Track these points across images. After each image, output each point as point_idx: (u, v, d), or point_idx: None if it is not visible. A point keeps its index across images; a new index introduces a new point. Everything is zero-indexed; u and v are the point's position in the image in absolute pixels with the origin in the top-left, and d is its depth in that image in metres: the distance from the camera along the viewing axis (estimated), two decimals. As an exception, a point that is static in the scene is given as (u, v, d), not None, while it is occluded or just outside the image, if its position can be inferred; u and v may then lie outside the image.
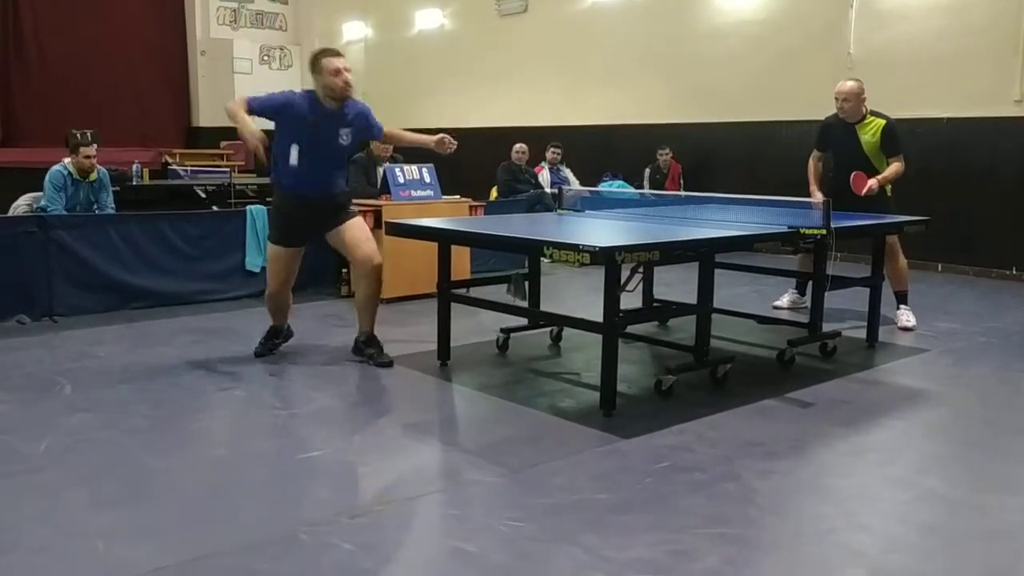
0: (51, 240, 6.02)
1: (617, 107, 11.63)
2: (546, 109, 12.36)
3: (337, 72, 4.59)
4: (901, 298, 6.12)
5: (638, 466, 3.46)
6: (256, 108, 4.59)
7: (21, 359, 5.00)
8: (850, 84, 5.99)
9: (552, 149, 10.45)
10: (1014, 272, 8.32)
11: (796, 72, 9.74)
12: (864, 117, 5.97)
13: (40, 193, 7.12)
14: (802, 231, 4.47)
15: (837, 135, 6.11)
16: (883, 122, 5.92)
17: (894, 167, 5.90)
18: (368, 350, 4.93)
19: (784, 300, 6.61)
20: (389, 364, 4.85)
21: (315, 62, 4.67)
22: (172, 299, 6.45)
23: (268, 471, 3.41)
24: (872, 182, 5.79)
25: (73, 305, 6.10)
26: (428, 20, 14.60)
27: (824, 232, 4.45)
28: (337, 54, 4.70)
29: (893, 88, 8.96)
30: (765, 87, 10.02)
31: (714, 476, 3.37)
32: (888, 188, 6.01)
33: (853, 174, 5.82)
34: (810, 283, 5.22)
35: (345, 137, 4.79)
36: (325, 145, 4.73)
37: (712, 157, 10.71)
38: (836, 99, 5.98)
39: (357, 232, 4.88)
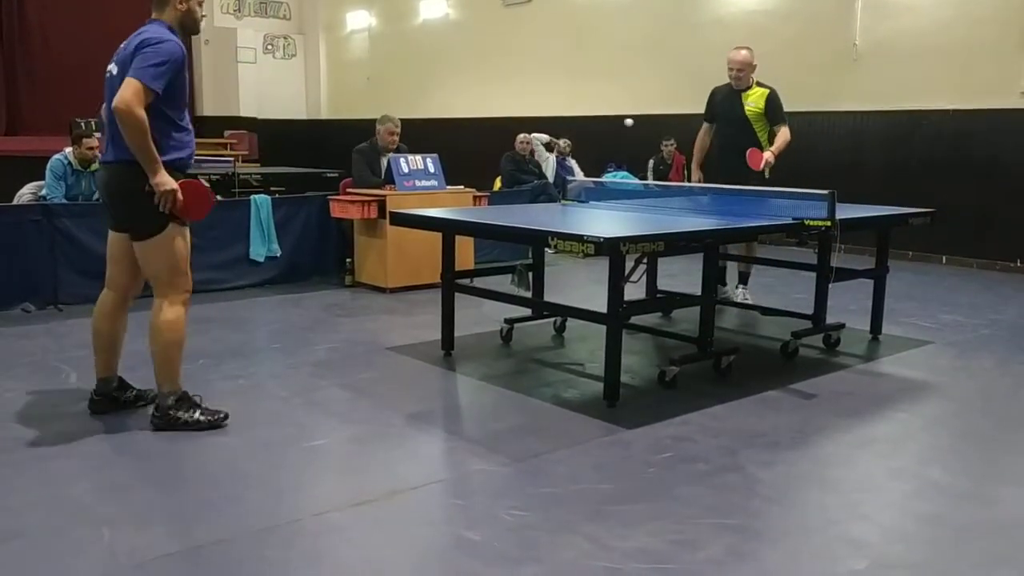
0: (56, 228, 6.04)
1: (621, 97, 11.59)
2: (550, 99, 12.34)
3: (202, 3, 3.78)
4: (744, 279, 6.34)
5: (641, 456, 3.47)
6: (160, 87, 3.43)
7: (27, 347, 5.02)
8: (744, 54, 6.09)
9: (564, 141, 10.52)
10: (1018, 264, 8.31)
11: (801, 63, 9.70)
12: (750, 86, 6.11)
13: (44, 182, 7.13)
14: (807, 222, 4.46)
15: (721, 103, 6.25)
16: (767, 90, 6.07)
17: (782, 136, 6.01)
18: (184, 414, 3.69)
19: None
20: (224, 419, 3.75)
21: None
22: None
23: (274, 459, 3.42)
24: (767, 155, 5.89)
25: (78, 293, 6.10)
26: (433, 9, 14.58)
27: (829, 224, 4.44)
28: None
29: (898, 80, 8.96)
30: (770, 78, 9.93)
31: (717, 467, 3.38)
32: (767, 170, 6.06)
33: (748, 151, 5.93)
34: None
35: None
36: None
37: (712, 149, 10.65)
38: (730, 68, 6.10)
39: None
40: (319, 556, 2.67)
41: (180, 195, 3.51)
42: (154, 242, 3.59)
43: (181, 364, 3.74)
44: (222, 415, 3.74)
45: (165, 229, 3.58)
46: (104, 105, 3.62)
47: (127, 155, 3.47)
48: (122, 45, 3.62)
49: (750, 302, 6.14)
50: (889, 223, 5.57)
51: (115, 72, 3.56)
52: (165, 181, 3.47)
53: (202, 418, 3.70)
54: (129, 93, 3.35)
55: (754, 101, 6.06)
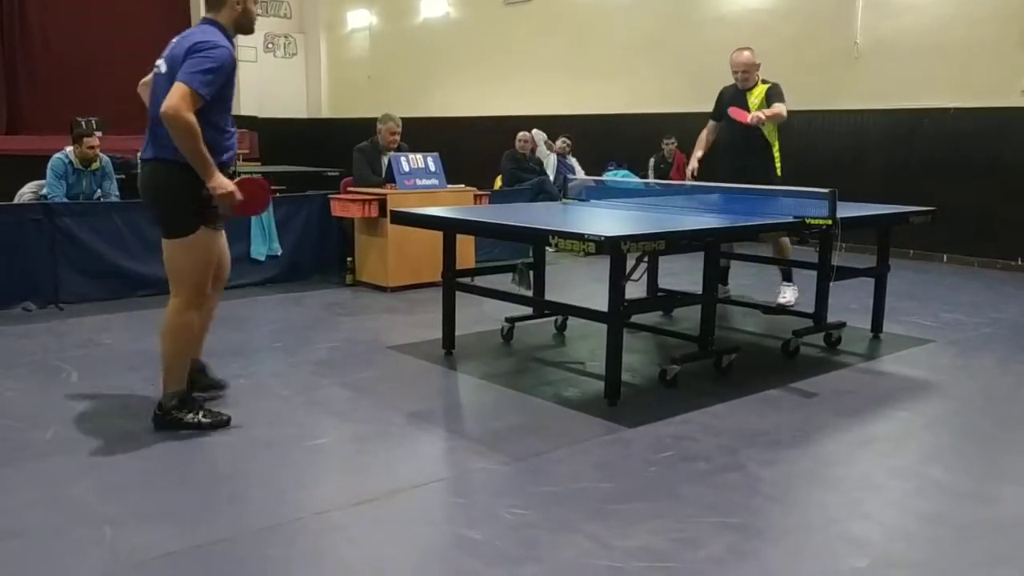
0: (57, 228, 6.04)
1: (622, 96, 11.59)
2: (551, 98, 12.34)
3: (256, 2, 3.72)
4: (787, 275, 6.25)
5: (642, 455, 3.47)
6: (209, 93, 3.39)
7: (27, 346, 5.02)
8: (746, 55, 6.14)
9: (562, 139, 10.50)
10: (1019, 263, 8.31)
11: (802, 62, 9.69)
12: (755, 84, 6.16)
13: (45, 181, 7.13)
14: (808, 221, 4.46)
15: (728, 102, 6.27)
16: (768, 85, 6.12)
17: (776, 107, 5.98)
18: (186, 415, 3.64)
19: None
20: (226, 422, 3.70)
21: None
22: (177, 287, 6.44)
23: (275, 458, 3.42)
24: (757, 113, 5.88)
25: (79, 292, 6.12)
26: (433, 8, 14.57)
27: (830, 222, 4.44)
28: None
29: (899, 78, 8.95)
30: (771, 76, 9.92)
31: (718, 465, 3.38)
32: (778, 167, 6.07)
33: (730, 109, 5.96)
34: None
35: None
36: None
37: (717, 147, 10.65)
38: (734, 71, 6.15)
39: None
40: (320, 555, 2.68)
41: (239, 194, 3.50)
42: (181, 243, 3.57)
43: (188, 365, 3.74)
44: (224, 418, 3.71)
45: (194, 232, 3.55)
46: (151, 99, 3.55)
47: (164, 153, 3.46)
48: (173, 41, 3.56)
49: (789, 302, 5.96)
50: (890, 222, 5.56)
51: (163, 69, 3.51)
52: (221, 184, 3.46)
53: (204, 420, 3.66)
54: (177, 98, 3.30)
55: (757, 97, 6.09)
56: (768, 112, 5.88)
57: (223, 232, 3.83)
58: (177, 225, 3.56)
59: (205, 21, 3.59)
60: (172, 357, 3.65)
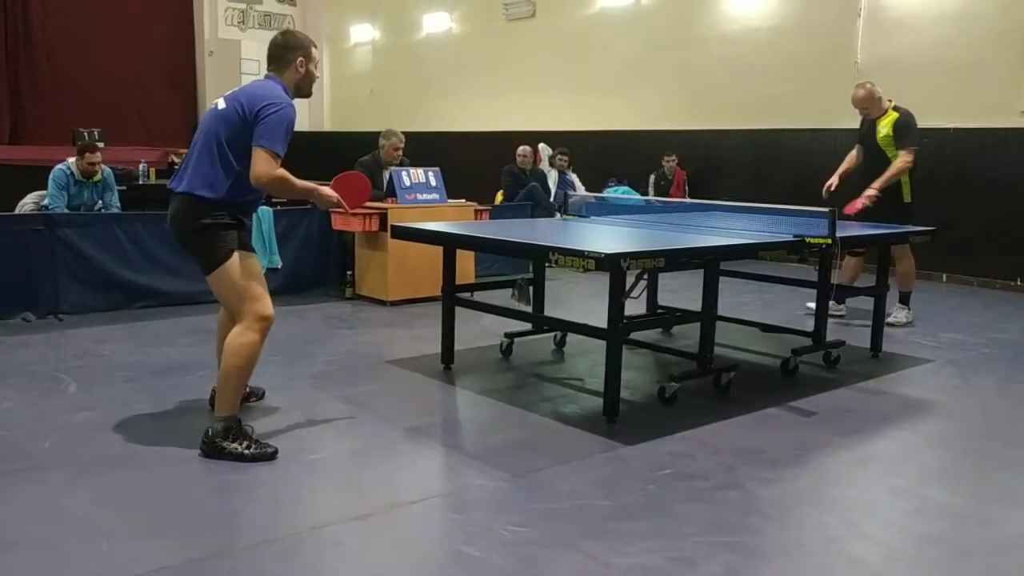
0: (57, 238, 6.05)
1: (623, 113, 11.64)
2: (552, 114, 12.39)
3: (317, 65, 3.84)
4: (903, 298, 6.36)
5: (640, 473, 3.47)
6: (283, 150, 3.56)
7: (26, 356, 5.01)
8: (860, 93, 6.33)
9: (559, 155, 10.50)
10: (1019, 283, 8.31)
11: (803, 80, 9.75)
12: (886, 112, 6.30)
13: (46, 191, 7.15)
14: (808, 240, 4.47)
15: (863, 130, 6.48)
16: (897, 115, 6.22)
17: (895, 165, 6.11)
18: (229, 444, 3.51)
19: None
20: (272, 455, 3.54)
21: (305, 46, 3.75)
22: (177, 299, 6.46)
23: (272, 472, 3.41)
24: (861, 201, 6.05)
25: (78, 303, 6.13)
26: (436, 23, 14.64)
27: (830, 242, 4.45)
28: None
29: (899, 98, 8.94)
30: (772, 95, 10.03)
31: (716, 484, 3.37)
32: (906, 192, 6.16)
33: (846, 208, 6.05)
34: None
35: None
36: None
37: (718, 164, 10.71)
38: (856, 108, 6.37)
39: None
40: (317, 570, 2.67)
41: (341, 200, 3.74)
42: (215, 275, 3.61)
43: (242, 391, 3.69)
44: (270, 451, 3.54)
45: (227, 262, 3.58)
46: (199, 132, 3.66)
47: (194, 189, 3.54)
48: (237, 91, 3.67)
49: (899, 321, 6.13)
50: (889, 241, 5.57)
51: (221, 106, 3.62)
52: (323, 198, 3.74)
53: (247, 452, 3.50)
54: (262, 165, 3.46)
55: (885, 127, 6.24)
56: (879, 183, 6.03)
57: (255, 255, 3.83)
58: (203, 260, 3.61)
59: (269, 78, 3.72)
60: (227, 377, 3.58)
